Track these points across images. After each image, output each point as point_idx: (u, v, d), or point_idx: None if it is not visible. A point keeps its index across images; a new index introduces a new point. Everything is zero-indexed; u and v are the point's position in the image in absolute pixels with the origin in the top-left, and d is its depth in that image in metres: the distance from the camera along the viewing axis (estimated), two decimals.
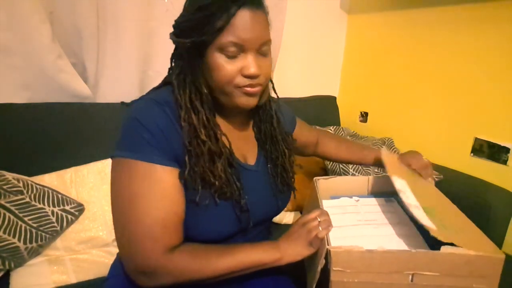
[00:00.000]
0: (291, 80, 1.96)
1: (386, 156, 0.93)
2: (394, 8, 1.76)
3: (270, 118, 0.84)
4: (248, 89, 0.68)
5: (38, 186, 1.08)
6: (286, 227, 1.36)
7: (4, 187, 1.02)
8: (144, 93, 0.74)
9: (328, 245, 0.65)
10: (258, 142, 0.84)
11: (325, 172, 1.63)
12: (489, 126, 1.42)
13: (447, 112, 1.57)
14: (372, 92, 1.96)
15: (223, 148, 0.70)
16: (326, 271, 0.65)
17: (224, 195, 0.70)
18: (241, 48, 0.65)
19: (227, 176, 0.70)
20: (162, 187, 0.64)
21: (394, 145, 1.73)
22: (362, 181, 1.00)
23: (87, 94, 1.34)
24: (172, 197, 0.65)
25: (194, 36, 0.64)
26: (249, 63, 0.66)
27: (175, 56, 0.73)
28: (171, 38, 0.69)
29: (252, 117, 0.85)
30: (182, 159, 0.66)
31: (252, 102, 0.71)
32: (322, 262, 0.65)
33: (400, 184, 0.78)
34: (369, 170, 1.58)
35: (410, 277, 0.63)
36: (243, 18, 0.63)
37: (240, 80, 0.67)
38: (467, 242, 0.63)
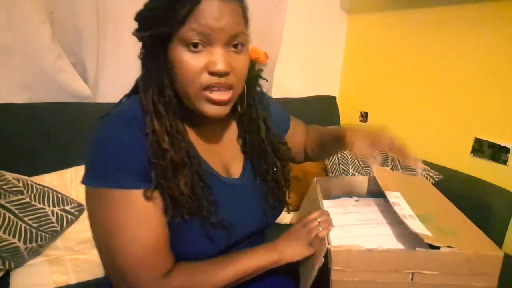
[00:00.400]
0: (291, 80, 1.97)
1: (377, 171, 0.89)
2: (394, 8, 1.76)
3: (256, 128, 0.76)
4: (214, 96, 0.60)
5: (38, 186, 1.08)
6: (286, 227, 1.36)
7: (4, 187, 1.02)
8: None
9: (328, 244, 0.65)
10: (244, 154, 0.78)
11: (325, 172, 1.63)
12: (489, 126, 1.42)
13: (447, 112, 1.57)
14: (372, 92, 1.96)
15: (189, 158, 0.63)
16: (326, 270, 0.65)
17: (191, 212, 0.62)
18: (207, 40, 0.57)
19: (194, 190, 0.63)
20: (142, 212, 0.58)
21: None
22: (362, 181, 1.00)
23: (87, 94, 1.34)
24: (156, 219, 0.60)
25: (155, 28, 0.57)
26: (215, 58, 0.58)
27: (141, 55, 0.64)
28: (132, 33, 0.62)
29: (237, 125, 0.78)
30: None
31: (221, 111, 0.63)
32: (321, 261, 0.65)
33: (394, 197, 0.78)
34: (369, 170, 1.58)
35: (410, 276, 0.63)
36: (209, 6, 0.56)
37: (206, 78, 0.59)
38: (465, 243, 0.64)
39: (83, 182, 0.60)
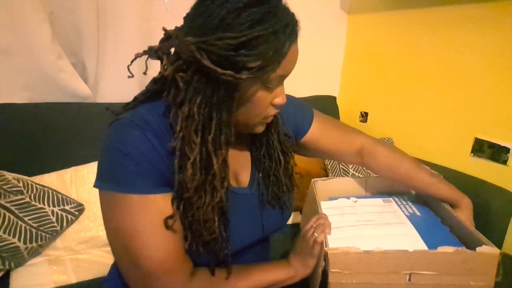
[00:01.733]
0: (291, 80, 1.94)
1: None
2: (394, 8, 1.75)
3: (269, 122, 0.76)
4: (269, 119, 0.66)
5: (38, 186, 1.09)
6: (289, 227, 1.36)
7: (4, 187, 1.02)
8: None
9: (326, 246, 0.65)
10: (251, 152, 0.77)
11: (325, 172, 1.63)
12: (489, 126, 1.42)
13: (447, 112, 1.57)
14: (372, 92, 1.96)
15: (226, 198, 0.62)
16: (324, 272, 0.65)
17: (208, 246, 0.63)
18: (281, 80, 0.62)
19: (219, 228, 0.62)
20: (160, 216, 0.58)
21: (394, 145, 1.73)
22: (360, 182, 1.00)
23: (87, 94, 1.34)
24: (176, 223, 0.59)
25: (236, 70, 0.53)
26: (280, 92, 0.63)
27: (183, 73, 0.57)
28: (197, 55, 0.53)
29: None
30: (173, 183, 0.59)
31: (264, 128, 0.69)
32: (322, 264, 0.65)
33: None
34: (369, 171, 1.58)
35: (408, 276, 0.63)
36: (293, 53, 0.58)
37: (270, 110, 0.64)
38: None
39: (97, 186, 0.59)
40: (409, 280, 0.64)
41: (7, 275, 1.02)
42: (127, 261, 0.60)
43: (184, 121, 0.56)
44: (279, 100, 0.63)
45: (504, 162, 1.37)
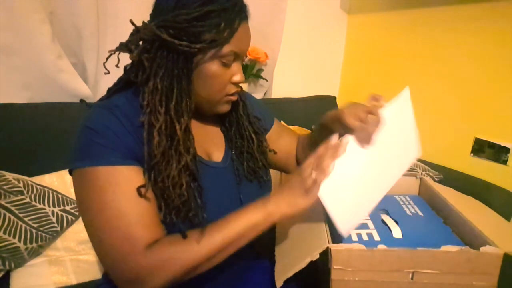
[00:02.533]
0: (291, 80, 1.97)
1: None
2: (394, 8, 1.76)
3: (236, 105, 0.81)
4: (232, 97, 0.71)
5: (38, 187, 1.08)
6: None
7: (4, 187, 1.02)
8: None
9: (329, 244, 0.64)
10: (223, 133, 0.81)
11: None
12: (489, 126, 1.42)
13: (447, 112, 1.57)
14: (372, 92, 1.96)
15: (186, 152, 0.64)
16: (325, 269, 0.65)
17: (180, 214, 0.63)
18: (236, 58, 0.68)
19: (188, 192, 0.63)
20: (131, 186, 0.59)
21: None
22: None
23: (87, 94, 1.34)
24: (145, 195, 0.60)
25: (191, 41, 0.62)
26: (238, 70, 0.69)
27: (148, 53, 0.63)
28: (158, 33, 0.60)
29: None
30: (141, 158, 0.61)
31: (229, 108, 0.74)
32: (314, 256, 0.63)
33: None
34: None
35: (411, 275, 0.63)
36: (244, 31, 0.66)
37: (230, 88, 0.70)
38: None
39: (69, 167, 0.63)
40: (412, 278, 0.64)
41: (7, 275, 1.01)
42: (94, 237, 0.60)
43: (150, 94, 0.62)
44: (237, 78, 0.69)
45: (504, 162, 1.38)
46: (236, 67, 0.69)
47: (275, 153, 0.88)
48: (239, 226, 0.61)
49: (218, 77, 0.66)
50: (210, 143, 0.78)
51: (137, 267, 0.57)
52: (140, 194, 0.59)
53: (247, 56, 0.71)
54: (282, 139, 0.94)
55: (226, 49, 0.64)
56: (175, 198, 0.62)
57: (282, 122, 0.97)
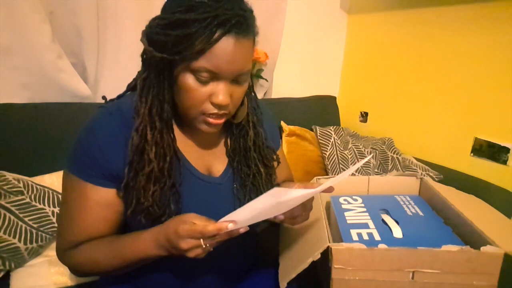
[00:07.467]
0: (291, 80, 1.97)
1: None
2: (394, 8, 1.76)
3: (244, 132, 0.76)
4: (211, 120, 0.64)
5: (38, 187, 1.08)
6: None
7: (5, 187, 1.02)
8: None
9: (329, 242, 0.65)
10: (228, 158, 0.77)
11: (325, 172, 1.63)
12: (489, 126, 1.42)
13: (447, 112, 1.57)
14: (372, 92, 1.96)
15: (171, 170, 0.66)
16: (326, 268, 0.65)
17: (149, 217, 0.65)
18: (215, 76, 0.60)
19: (162, 200, 0.65)
20: (86, 203, 0.66)
21: (394, 145, 1.74)
22: (362, 181, 1.00)
23: (87, 94, 1.34)
24: (96, 215, 0.67)
25: (166, 52, 0.58)
26: (219, 91, 0.61)
27: (144, 57, 0.66)
28: (141, 40, 0.62)
29: (225, 131, 0.78)
30: (122, 175, 0.65)
31: (214, 130, 0.67)
32: (316, 256, 0.63)
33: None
34: (369, 170, 1.58)
35: (411, 274, 0.63)
36: (225, 47, 0.57)
37: (208, 107, 0.63)
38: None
39: (64, 165, 0.69)
40: (412, 278, 0.64)
41: (7, 275, 1.01)
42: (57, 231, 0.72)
43: (137, 96, 0.65)
44: (215, 98, 0.61)
45: (504, 162, 1.38)
46: (217, 86, 0.61)
47: (279, 163, 0.84)
48: (136, 257, 0.64)
49: (191, 91, 0.61)
50: (212, 156, 0.75)
51: (60, 259, 0.71)
52: (92, 210, 0.66)
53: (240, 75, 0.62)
54: (278, 171, 0.85)
55: (197, 64, 0.58)
56: (144, 201, 0.64)
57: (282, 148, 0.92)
